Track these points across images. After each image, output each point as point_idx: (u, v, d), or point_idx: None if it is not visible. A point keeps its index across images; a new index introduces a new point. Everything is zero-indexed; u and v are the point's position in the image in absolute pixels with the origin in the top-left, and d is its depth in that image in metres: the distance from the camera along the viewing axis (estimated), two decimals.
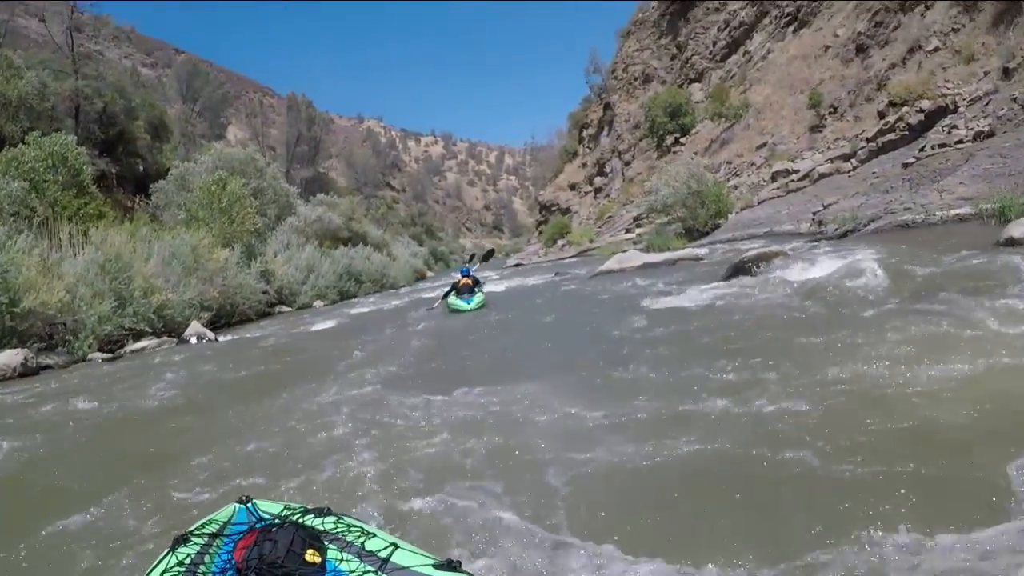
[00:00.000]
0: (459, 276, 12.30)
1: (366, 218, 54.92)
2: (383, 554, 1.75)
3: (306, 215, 29.29)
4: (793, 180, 22.49)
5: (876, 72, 26.59)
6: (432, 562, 1.74)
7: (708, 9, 50.23)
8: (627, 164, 50.45)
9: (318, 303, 23.39)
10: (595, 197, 53.43)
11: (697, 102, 45.31)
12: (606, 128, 55.92)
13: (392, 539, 1.85)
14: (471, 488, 3.33)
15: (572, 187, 57.71)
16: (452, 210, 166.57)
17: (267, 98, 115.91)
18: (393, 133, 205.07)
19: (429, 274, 50.06)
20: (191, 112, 61.74)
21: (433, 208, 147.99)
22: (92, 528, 3.45)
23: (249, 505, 2.03)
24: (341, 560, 1.75)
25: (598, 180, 53.91)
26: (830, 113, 27.36)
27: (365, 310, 18.29)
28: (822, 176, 21.66)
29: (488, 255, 19.18)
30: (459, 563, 1.75)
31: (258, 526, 1.86)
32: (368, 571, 1.69)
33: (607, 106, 56.35)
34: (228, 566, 1.73)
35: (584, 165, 58.56)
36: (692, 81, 48.45)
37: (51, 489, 4.31)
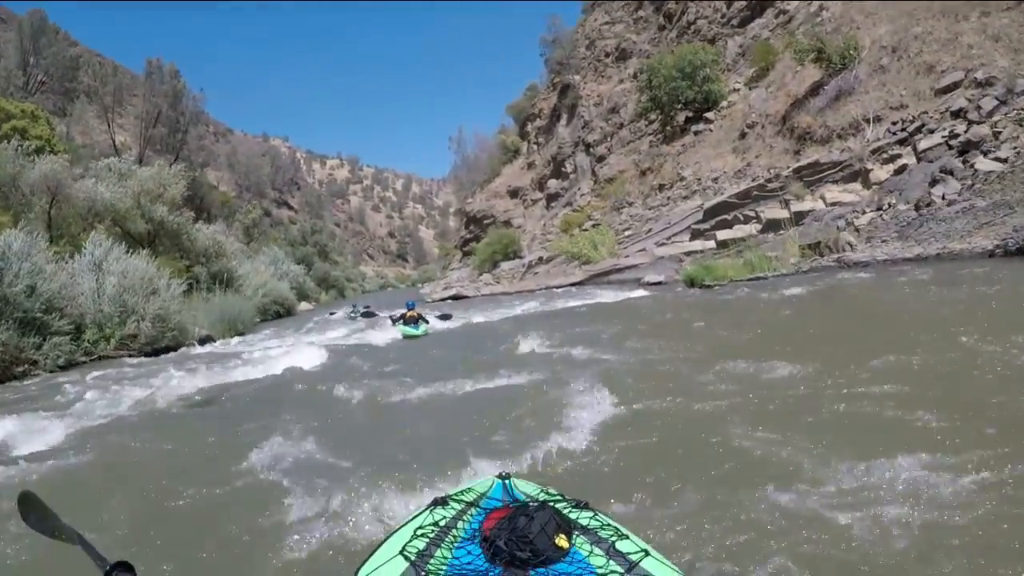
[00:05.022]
0: (406, 309, 13.01)
1: (222, 222, 34.91)
2: (633, 557, 1.51)
3: None
4: None
5: None
6: None
7: None
8: (599, 160, 32.51)
9: None
10: (548, 206, 35.26)
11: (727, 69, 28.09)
12: (564, 117, 37.99)
13: (644, 545, 1.58)
14: None
15: (514, 194, 39.25)
16: (354, 235, 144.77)
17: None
18: (298, 153, 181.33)
19: (304, 307, 29.92)
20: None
21: (333, 231, 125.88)
22: None
23: (507, 482, 1.90)
24: (590, 554, 1.52)
25: (553, 183, 35.80)
26: None
27: None
28: None
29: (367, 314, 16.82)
30: None
31: (513, 504, 1.71)
32: (615, 571, 1.46)
33: (565, 90, 38.52)
34: (477, 533, 1.59)
35: (531, 165, 40.38)
36: None
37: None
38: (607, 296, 13.60)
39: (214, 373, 7.44)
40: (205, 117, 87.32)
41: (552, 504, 1.65)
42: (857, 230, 13.23)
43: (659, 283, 14.27)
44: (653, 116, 29.05)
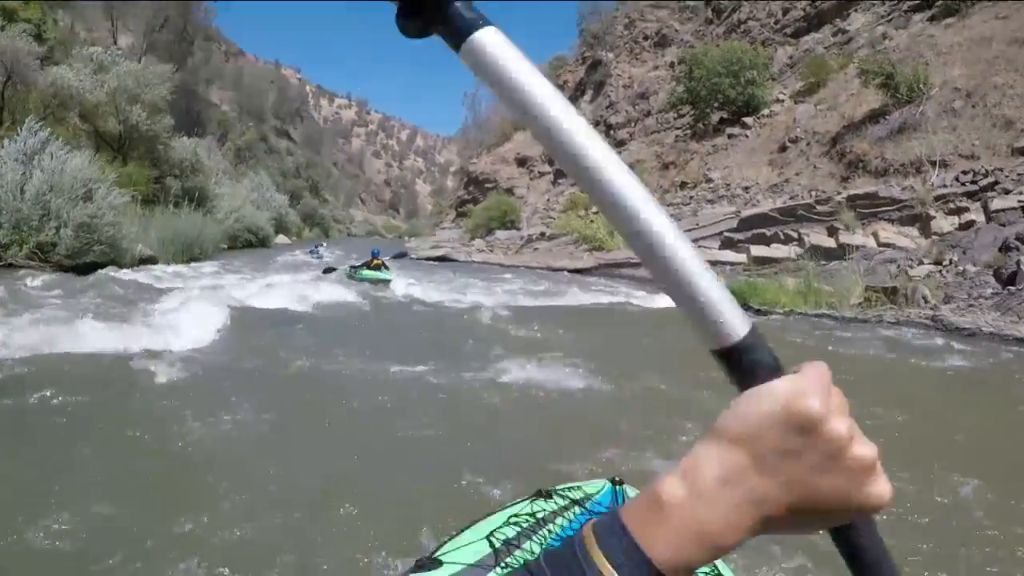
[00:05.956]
0: (371, 257, 13.13)
1: (212, 139, 32.46)
2: None
3: None
4: None
5: None
6: None
7: None
8: (619, 144, 30.44)
9: None
10: (555, 182, 33.25)
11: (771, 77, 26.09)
12: (590, 93, 35.81)
13: None
14: None
15: (521, 162, 37.08)
16: (350, 177, 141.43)
17: None
18: (308, 87, 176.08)
19: (282, 240, 27.69)
20: None
21: (330, 169, 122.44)
22: None
23: (619, 488, 1.72)
24: None
25: None
26: None
27: None
28: None
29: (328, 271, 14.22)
30: None
31: None
32: None
33: (595, 65, 36.26)
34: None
35: None
36: None
37: None
38: (626, 294, 11.46)
39: (105, 316, 5.34)
40: (216, 34, 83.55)
41: None
42: (910, 279, 11.44)
43: None
44: (685, 110, 27.07)
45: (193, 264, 12.30)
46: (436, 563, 1.31)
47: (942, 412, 5.01)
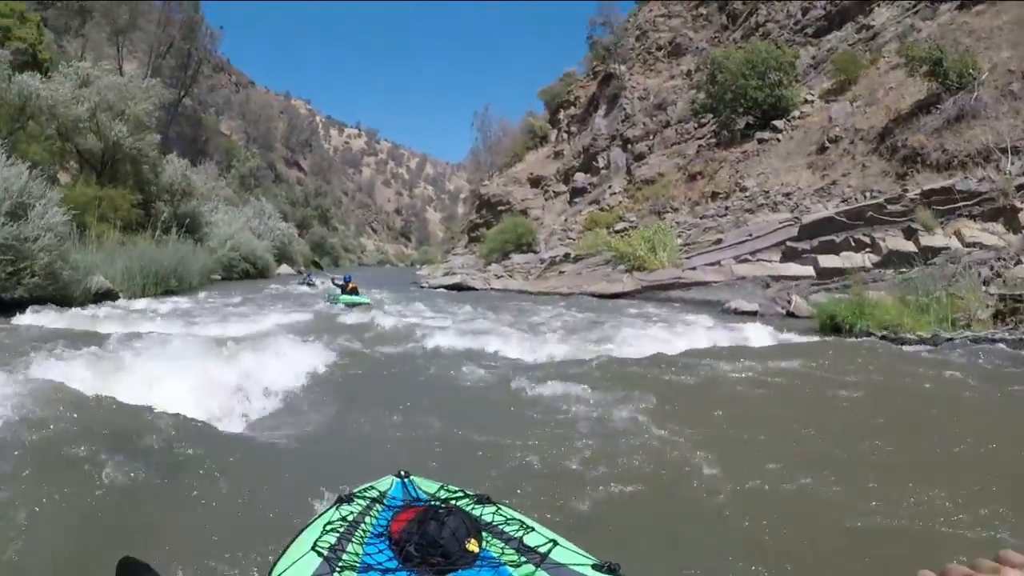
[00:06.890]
0: (344, 281, 13.60)
1: (214, 165, 30.97)
2: (542, 549, 1.47)
3: None
4: None
5: None
6: (591, 562, 1.45)
7: None
8: (638, 158, 28.67)
9: None
10: (571, 201, 31.42)
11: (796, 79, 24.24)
12: (603, 108, 34.10)
13: (552, 535, 1.54)
14: None
15: (535, 183, 35.31)
16: (360, 206, 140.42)
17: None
18: (318, 118, 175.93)
19: (284, 270, 25.94)
20: None
21: (340, 198, 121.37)
22: None
23: (407, 480, 1.83)
24: (501, 553, 1.47)
25: (580, 177, 31.89)
26: None
27: None
28: None
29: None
30: (618, 566, 1.45)
31: (417, 504, 1.67)
32: (525, 564, 1.42)
33: (607, 79, 34.64)
34: (384, 533, 1.55)
35: (558, 155, 36.40)
36: None
37: None
38: (708, 329, 8.47)
39: None
40: (225, 63, 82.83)
41: (457, 504, 1.56)
42: (1005, 283, 9.48)
43: (754, 313, 10.37)
44: (707, 118, 25.32)
45: (163, 298, 10.45)
46: None
47: None
